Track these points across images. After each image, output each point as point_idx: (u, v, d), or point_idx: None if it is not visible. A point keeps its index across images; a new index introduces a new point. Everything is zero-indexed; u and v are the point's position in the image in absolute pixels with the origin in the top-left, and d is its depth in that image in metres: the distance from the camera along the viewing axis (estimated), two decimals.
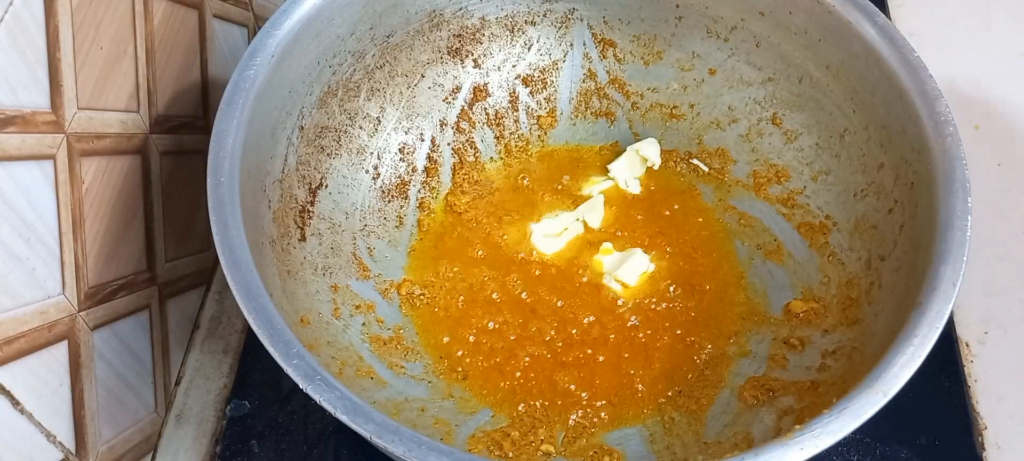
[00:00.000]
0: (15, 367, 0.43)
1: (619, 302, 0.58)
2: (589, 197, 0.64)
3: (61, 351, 0.47)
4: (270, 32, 0.51)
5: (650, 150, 0.65)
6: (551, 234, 0.62)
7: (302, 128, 0.55)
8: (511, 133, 0.67)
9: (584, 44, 0.66)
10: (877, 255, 0.51)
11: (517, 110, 0.67)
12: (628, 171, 0.65)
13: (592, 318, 0.57)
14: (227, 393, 0.58)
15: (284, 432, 0.55)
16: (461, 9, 0.63)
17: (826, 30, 0.55)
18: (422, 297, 0.58)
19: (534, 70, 0.66)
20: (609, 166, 0.65)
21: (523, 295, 0.58)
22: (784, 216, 0.60)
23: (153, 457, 0.56)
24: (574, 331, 0.56)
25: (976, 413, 0.56)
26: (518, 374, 0.55)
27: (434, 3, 0.61)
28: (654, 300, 0.58)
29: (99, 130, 0.49)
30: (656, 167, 0.65)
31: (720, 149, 0.64)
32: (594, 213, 0.62)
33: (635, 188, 0.64)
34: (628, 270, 0.58)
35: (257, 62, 0.50)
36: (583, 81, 0.67)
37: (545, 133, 0.67)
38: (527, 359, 0.55)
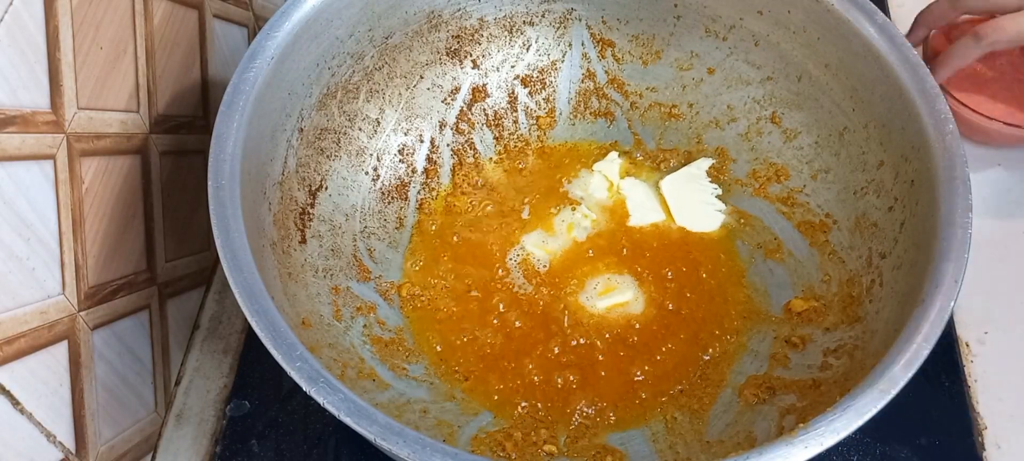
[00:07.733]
0: (15, 367, 0.43)
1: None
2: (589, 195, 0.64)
3: (61, 351, 0.47)
4: (269, 34, 0.51)
5: (610, 168, 0.65)
6: (550, 235, 0.62)
7: (302, 130, 0.55)
8: (510, 134, 0.67)
9: (582, 44, 0.66)
10: (878, 253, 0.51)
11: (516, 111, 0.67)
12: (605, 187, 0.64)
13: (592, 319, 0.57)
14: (227, 393, 0.58)
15: (284, 432, 0.55)
16: (459, 10, 0.63)
17: (825, 28, 0.55)
18: (423, 298, 0.58)
19: (533, 70, 0.66)
20: (589, 191, 0.64)
21: (523, 296, 0.58)
22: (784, 215, 0.60)
23: (153, 457, 0.56)
24: (574, 331, 0.56)
25: (976, 413, 0.56)
26: (519, 375, 0.54)
27: (432, 4, 0.61)
28: (654, 303, 0.58)
29: (99, 130, 0.49)
30: (616, 183, 0.64)
31: (719, 148, 0.64)
32: (589, 219, 0.62)
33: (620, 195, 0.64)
34: (603, 298, 0.58)
35: (257, 64, 0.50)
36: (582, 81, 0.67)
37: (544, 133, 0.67)
38: (528, 360, 0.55)
